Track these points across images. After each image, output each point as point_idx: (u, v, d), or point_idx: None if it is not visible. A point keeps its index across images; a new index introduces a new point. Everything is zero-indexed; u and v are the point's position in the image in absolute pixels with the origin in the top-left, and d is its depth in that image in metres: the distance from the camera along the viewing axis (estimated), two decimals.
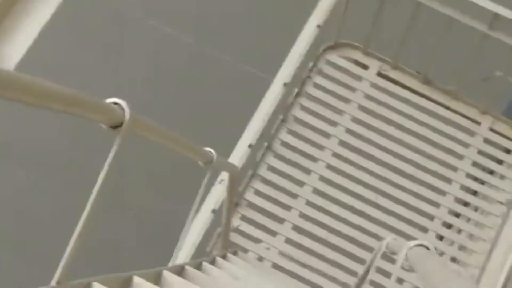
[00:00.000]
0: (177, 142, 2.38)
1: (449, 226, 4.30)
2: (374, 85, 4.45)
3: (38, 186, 5.75)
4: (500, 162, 4.46)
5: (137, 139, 1.72)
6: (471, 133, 4.47)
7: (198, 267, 2.82)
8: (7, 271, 5.21)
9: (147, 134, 1.89)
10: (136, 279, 1.93)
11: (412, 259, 2.32)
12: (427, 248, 2.35)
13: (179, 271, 2.58)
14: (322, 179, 4.27)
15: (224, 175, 3.56)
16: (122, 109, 1.54)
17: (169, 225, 3.35)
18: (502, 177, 4.39)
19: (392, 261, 3.31)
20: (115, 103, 1.50)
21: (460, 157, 4.38)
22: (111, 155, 1.54)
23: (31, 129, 5.87)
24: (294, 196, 4.22)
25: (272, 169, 4.24)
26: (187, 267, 2.65)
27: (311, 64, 4.37)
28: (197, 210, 3.19)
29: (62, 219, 3.54)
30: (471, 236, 4.31)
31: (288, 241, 4.17)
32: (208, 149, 2.73)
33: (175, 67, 5.77)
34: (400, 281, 4.13)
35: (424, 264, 2.15)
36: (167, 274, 2.27)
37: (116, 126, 1.53)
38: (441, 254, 4.21)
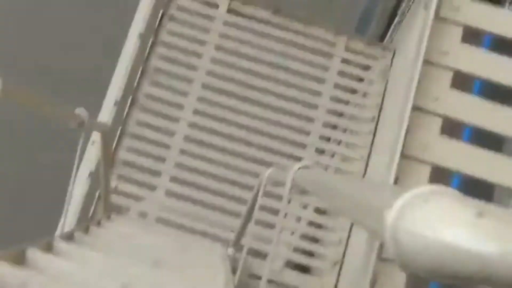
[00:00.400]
0: (47, 106, 2.81)
1: (322, 151, 5.01)
2: (227, 23, 4.89)
3: None
4: (361, 79, 5.09)
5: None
6: (329, 56, 5.01)
7: (86, 231, 3.31)
8: None
9: (19, 101, 2.38)
10: (30, 251, 2.28)
11: (301, 181, 2.55)
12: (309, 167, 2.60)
13: (69, 236, 3.12)
14: (192, 125, 4.68)
15: (96, 136, 3.91)
16: None
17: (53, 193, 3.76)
18: (364, 94, 5.04)
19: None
20: None
21: (321, 81, 4.92)
22: None
23: None
24: (166, 146, 4.62)
25: (140, 123, 4.61)
26: (75, 233, 3.15)
27: (161, 11, 4.78)
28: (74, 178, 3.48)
29: None
30: (348, 145, 4.95)
31: (168, 192, 4.59)
32: (79, 109, 3.06)
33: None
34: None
35: (315, 182, 2.40)
36: (56, 242, 2.72)
37: None
38: (326, 168, 4.86)
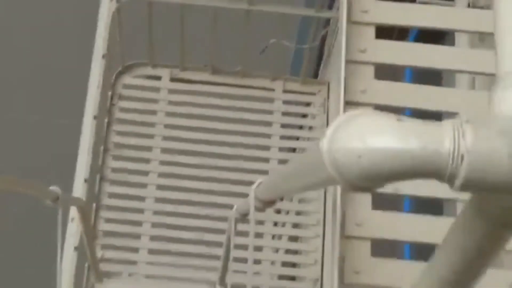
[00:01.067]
0: (20, 185, 2.98)
1: None
2: (172, 91, 5.27)
3: None
4: (304, 115, 5.45)
5: None
6: (270, 100, 5.38)
7: None
8: None
9: None
10: None
11: (261, 193, 2.59)
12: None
13: None
14: (159, 187, 5.08)
15: (74, 212, 4.06)
16: None
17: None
18: (310, 128, 5.41)
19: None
20: None
21: (268, 124, 5.27)
22: None
23: None
24: (140, 211, 5.01)
25: (113, 195, 4.93)
26: None
27: (110, 92, 5.09)
28: (61, 256, 3.64)
29: None
30: None
31: (151, 251, 4.90)
32: (53, 187, 3.21)
33: None
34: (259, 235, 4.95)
35: (270, 185, 2.48)
36: None
37: None
38: None
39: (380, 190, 0.98)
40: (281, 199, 2.43)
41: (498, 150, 0.73)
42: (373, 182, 0.77)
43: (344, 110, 3.88)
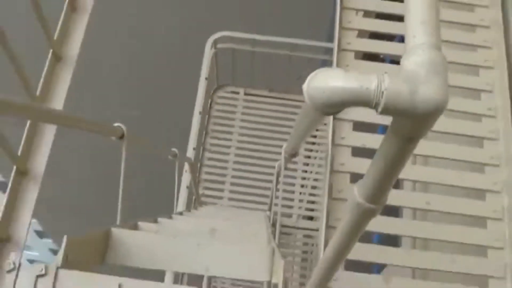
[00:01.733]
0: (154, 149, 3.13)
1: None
2: (245, 100, 5.43)
3: None
4: None
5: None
6: (299, 107, 5.27)
7: (189, 211, 3.84)
8: None
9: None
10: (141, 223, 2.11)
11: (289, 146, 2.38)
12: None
13: (181, 213, 3.37)
14: (236, 155, 5.21)
15: (187, 166, 4.41)
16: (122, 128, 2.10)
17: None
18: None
19: None
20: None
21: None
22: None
23: None
24: (225, 168, 5.19)
25: (210, 159, 5.22)
26: (184, 212, 3.53)
27: (210, 100, 5.33)
28: (178, 190, 4.07)
29: None
30: None
31: (230, 191, 5.12)
32: (173, 149, 3.33)
33: None
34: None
35: (289, 141, 2.30)
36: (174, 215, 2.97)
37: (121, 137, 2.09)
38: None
39: None
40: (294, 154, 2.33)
41: (403, 89, 0.74)
42: (332, 108, 0.78)
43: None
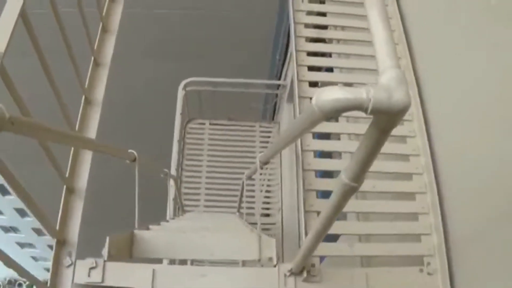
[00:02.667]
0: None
1: None
2: (211, 128, 5.51)
3: None
4: (269, 137, 5.62)
5: None
6: (253, 131, 5.54)
7: (177, 217, 3.83)
8: None
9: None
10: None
11: (263, 157, 2.41)
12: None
13: (172, 218, 3.54)
14: (208, 172, 5.27)
15: (172, 182, 4.20)
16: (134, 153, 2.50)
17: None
18: (271, 143, 5.15)
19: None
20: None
21: (253, 141, 5.44)
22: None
23: None
24: (199, 183, 5.21)
25: (187, 176, 5.22)
26: (174, 218, 3.58)
27: (183, 131, 5.38)
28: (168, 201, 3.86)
29: None
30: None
31: (205, 199, 5.16)
32: (165, 169, 3.35)
33: None
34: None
35: (271, 150, 2.34)
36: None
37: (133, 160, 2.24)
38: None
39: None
40: (267, 162, 2.39)
41: (383, 96, 0.86)
42: (337, 113, 0.87)
43: None
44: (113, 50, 2.12)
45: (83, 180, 1.80)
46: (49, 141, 1.46)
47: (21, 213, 17.87)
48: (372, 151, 1.04)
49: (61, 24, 1.69)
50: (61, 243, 1.71)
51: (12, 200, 13.72)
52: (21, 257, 23.26)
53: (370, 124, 0.99)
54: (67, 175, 1.79)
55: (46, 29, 1.84)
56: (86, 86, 1.95)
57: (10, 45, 1.29)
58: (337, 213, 1.29)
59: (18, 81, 1.38)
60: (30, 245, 21.66)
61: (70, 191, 1.78)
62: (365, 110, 0.92)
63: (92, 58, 2.04)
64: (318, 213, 1.91)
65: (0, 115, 0.90)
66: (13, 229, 21.55)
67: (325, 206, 1.26)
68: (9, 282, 24.06)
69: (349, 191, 1.16)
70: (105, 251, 1.62)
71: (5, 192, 15.08)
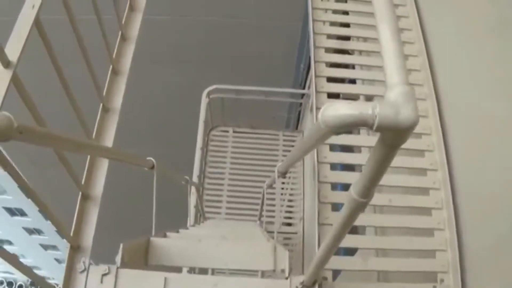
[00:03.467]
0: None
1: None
2: (234, 136, 5.51)
3: None
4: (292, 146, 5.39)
5: None
6: (277, 139, 5.54)
7: (198, 223, 3.85)
8: None
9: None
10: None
11: (282, 167, 2.39)
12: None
13: (193, 225, 3.54)
14: (230, 179, 5.29)
15: (194, 189, 4.23)
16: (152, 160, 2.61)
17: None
18: None
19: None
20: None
21: (276, 150, 5.45)
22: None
23: None
24: (221, 190, 5.26)
25: (209, 183, 5.26)
26: (195, 224, 3.77)
27: (206, 138, 5.40)
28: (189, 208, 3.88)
29: None
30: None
31: (227, 207, 5.17)
32: (186, 176, 3.39)
33: None
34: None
35: (287, 163, 2.31)
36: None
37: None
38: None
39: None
40: (286, 172, 2.38)
41: (389, 112, 0.83)
42: (341, 129, 0.86)
43: None
44: (131, 58, 2.14)
45: (98, 187, 1.81)
46: (62, 150, 1.48)
47: (45, 215, 18.08)
48: (380, 167, 1.02)
49: (78, 32, 1.69)
50: (75, 249, 1.71)
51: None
52: (44, 259, 23.63)
53: (377, 140, 0.97)
54: (83, 181, 1.82)
55: (63, 35, 1.85)
56: (104, 94, 1.98)
57: (24, 53, 1.30)
58: (347, 227, 1.27)
59: (34, 90, 1.39)
60: (54, 247, 21.96)
61: (86, 197, 1.79)
62: (371, 127, 0.90)
63: (111, 66, 2.05)
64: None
65: (7, 124, 0.90)
66: (37, 231, 21.89)
67: (336, 221, 1.25)
68: (9, 284, 24.25)
69: (358, 207, 1.14)
70: (118, 258, 1.63)
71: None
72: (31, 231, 22.12)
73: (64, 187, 1.78)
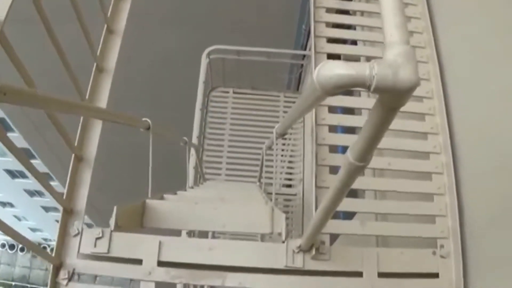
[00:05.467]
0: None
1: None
2: (234, 97, 5.48)
3: None
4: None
5: None
6: (277, 101, 5.51)
7: (197, 185, 4.01)
8: None
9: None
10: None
11: (279, 128, 2.29)
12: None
13: (192, 187, 3.59)
14: (230, 140, 5.27)
15: (192, 151, 4.18)
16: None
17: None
18: None
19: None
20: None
21: (276, 112, 5.41)
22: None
23: None
24: (221, 151, 5.24)
25: (209, 144, 5.24)
26: (194, 186, 3.72)
27: (207, 99, 5.37)
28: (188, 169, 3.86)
29: None
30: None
31: (227, 169, 5.15)
32: (184, 138, 3.33)
33: None
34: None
35: (284, 122, 2.15)
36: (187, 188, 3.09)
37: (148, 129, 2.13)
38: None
39: None
40: (284, 134, 2.32)
41: (388, 73, 0.79)
42: (337, 90, 0.81)
43: None
44: (127, 17, 2.07)
45: (92, 149, 1.78)
46: (52, 111, 1.44)
47: (47, 178, 18.27)
48: (378, 130, 0.97)
49: None
50: (68, 212, 1.69)
51: (38, 164, 13.88)
52: (46, 221, 23.89)
53: (375, 102, 0.92)
54: (76, 143, 1.79)
55: None
56: (98, 53, 1.92)
57: (11, 10, 1.24)
58: (345, 191, 1.24)
59: (23, 50, 1.34)
60: (55, 209, 22.14)
61: (79, 159, 1.76)
62: (368, 88, 0.86)
63: (105, 25, 1.99)
64: None
65: None
66: (38, 193, 22.04)
67: (332, 184, 1.22)
68: (11, 246, 24.56)
69: (355, 170, 1.11)
70: (112, 221, 1.59)
71: (30, 156, 15.29)
72: (32, 193, 22.26)
73: (64, 149, 1.76)
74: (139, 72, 6.20)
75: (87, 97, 1.84)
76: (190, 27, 6.18)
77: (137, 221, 1.88)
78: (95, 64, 1.92)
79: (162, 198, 2.22)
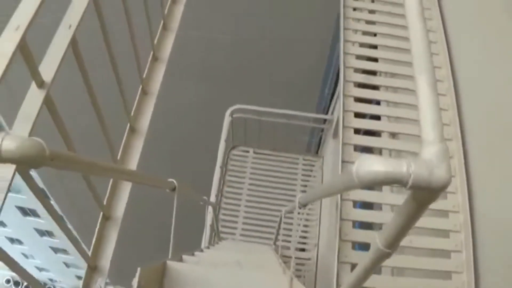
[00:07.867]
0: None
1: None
2: (254, 157, 5.55)
3: None
4: (311, 170, 5.57)
5: None
6: (296, 163, 5.55)
7: (212, 245, 3.97)
8: None
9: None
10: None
11: (302, 200, 2.33)
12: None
13: (208, 247, 3.56)
14: (247, 201, 5.27)
15: (210, 208, 4.19)
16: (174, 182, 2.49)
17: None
18: (314, 176, 5.50)
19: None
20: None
21: (294, 174, 5.44)
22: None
23: None
24: (237, 211, 5.23)
25: (226, 203, 5.24)
26: (209, 246, 3.67)
27: (227, 157, 5.44)
28: (205, 227, 3.85)
29: None
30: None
31: (242, 229, 5.16)
32: (204, 197, 3.35)
33: None
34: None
35: (308, 196, 2.21)
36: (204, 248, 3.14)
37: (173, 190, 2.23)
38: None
39: None
40: (306, 205, 2.35)
41: (423, 172, 0.83)
42: (374, 184, 0.86)
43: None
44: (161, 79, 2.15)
45: (120, 209, 1.81)
46: (89, 175, 1.48)
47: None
48: (408, 222, 1.01)
49: (112, 55, 1.70)
50: (93, 269, 1.72)
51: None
52: (53, 261, 23.71)
53: (408, 196, 0.96)
54: (105, 202, 1.83)
55: (92, 42, 1.84)
56: (132, 114, 1.98)
57: (57, 75, 1.30)
58: (369, 274, 1.25)
59: (61, 107, 1.38)
60: (64, 251, 22.00)
61: (106, 218, 1.81)
62: (405, 185, 0.90)
63: (141, 86, 2.06)
64: (352, 264, 1.89)
65: (40, 151, 0.89)
66: (48, 233, 21.96)
67: (358, 265, 1.23)
68: (16, 283, 24.23)
69: (383, 256, 1.13)
70: (135, 282, 1.60)
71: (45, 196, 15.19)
72: (42, 233, 22.21)
73: (86, 202, 1.79)
74: (161, 125, 6.28)
75: (118, 157, 1.91)
76: (215, 83, 6.26)
77: (158, 281, 1.90)
78: (128, 125, 1.98)
79: (181, 259, 2.27)
